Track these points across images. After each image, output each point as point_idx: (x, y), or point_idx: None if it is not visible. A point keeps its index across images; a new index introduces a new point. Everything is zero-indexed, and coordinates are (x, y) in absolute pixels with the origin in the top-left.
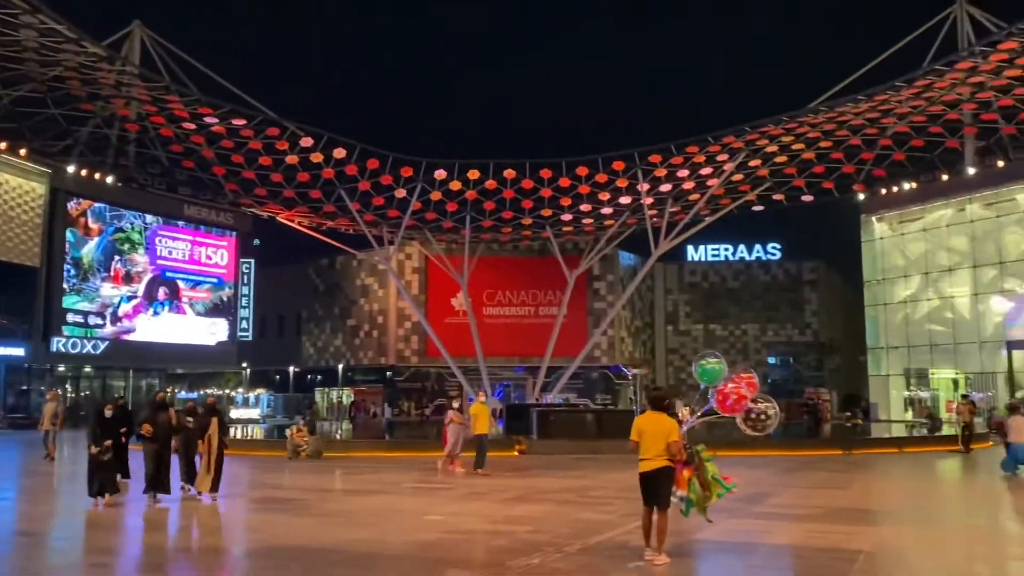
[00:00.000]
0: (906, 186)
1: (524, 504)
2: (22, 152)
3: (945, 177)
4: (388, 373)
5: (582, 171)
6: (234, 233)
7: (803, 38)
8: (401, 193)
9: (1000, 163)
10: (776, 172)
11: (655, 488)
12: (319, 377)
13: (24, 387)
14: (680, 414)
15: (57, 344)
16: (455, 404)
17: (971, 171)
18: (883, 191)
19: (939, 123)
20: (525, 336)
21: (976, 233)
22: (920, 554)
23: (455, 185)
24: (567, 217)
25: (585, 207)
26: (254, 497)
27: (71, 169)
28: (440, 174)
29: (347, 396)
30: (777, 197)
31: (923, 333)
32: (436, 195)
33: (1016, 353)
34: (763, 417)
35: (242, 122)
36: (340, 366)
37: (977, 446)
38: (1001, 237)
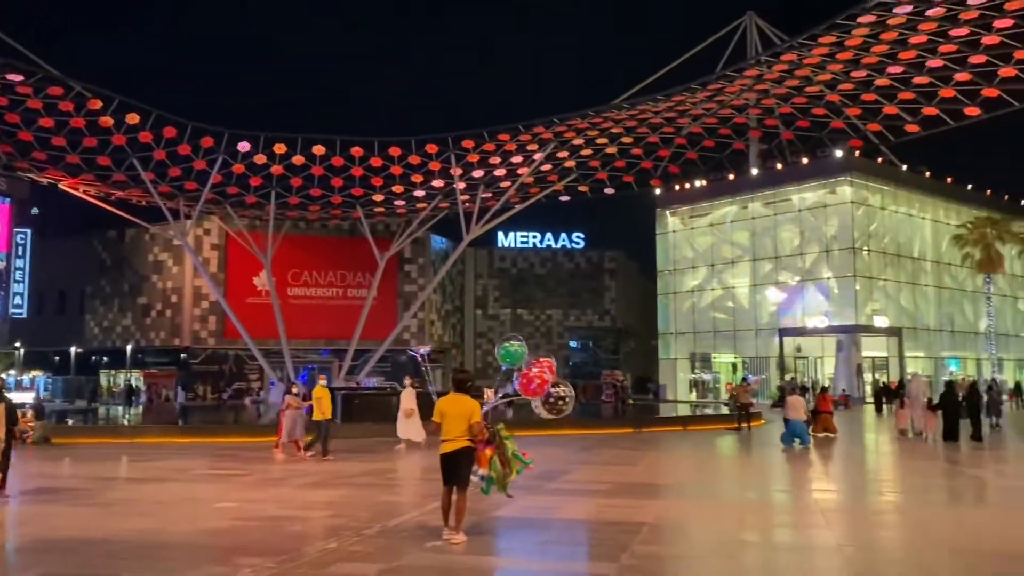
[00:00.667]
0: (697, 183)
1: (323, 489)
2: None
3: (732, 177)
4: (182, 355)
5: (395, 151)
6: (7, 200)
7: (606, 41)
8: (201, 165)
9: (779, 165)
10: (582, 164)
11: (456, 468)
12: (104, 359)
13: None
14: (485, 395)
15: None
16: (294, 389)
17: (754, 172)
18: (677, 187)
19: (728, 125)
20: (332, 318)
21: (756, 229)
22: (698, 525)
23: (260, 159)
24: (379, 198)
25: (397, 188)
26: (25, 488)
27: None
28: (244, 146)
29: (136, 379)
30: (582, 188)
31: (708, 320)
32: (239, 168)
33: (787, 339)
34: (561, 402)
35: (18, 78)
36: (129, 347)
37: (754, 424)
38: (778, 233)
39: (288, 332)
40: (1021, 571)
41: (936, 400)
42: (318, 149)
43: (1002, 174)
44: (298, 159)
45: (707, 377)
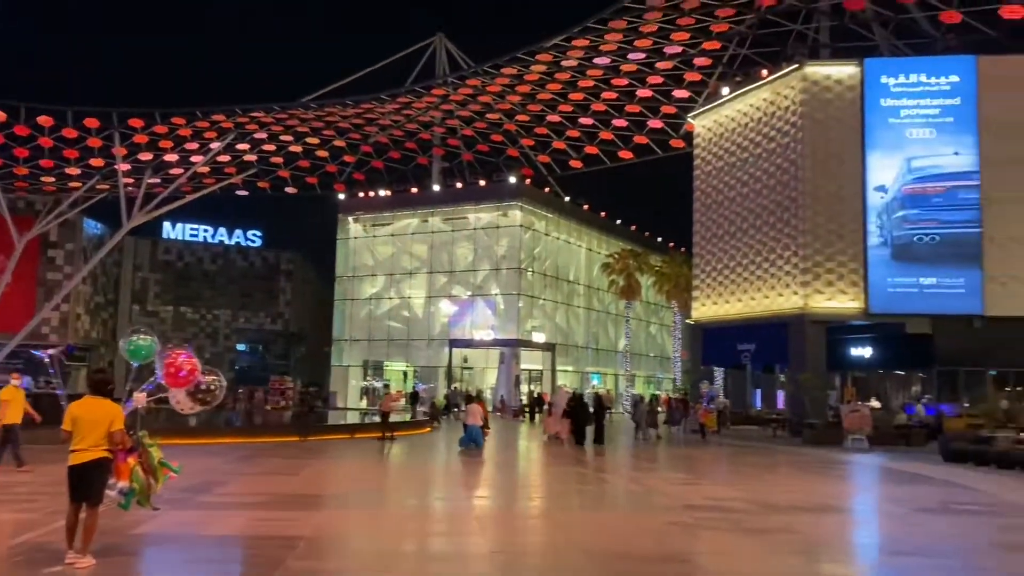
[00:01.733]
0: (381, 193)
1: None
2: None
3: (415, 190)
4: None
5: (46, 121)
6: None
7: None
8: None
9: (459, 184)
10: (264, 159)
11: (87, 482)
12: None
13: None
14: (135, 399)
15: None
16: None
17: (436, 188)
18: (361, 194)
19: (414, 140)
20: None
21: (435, 243)
22: (358, 536)
23: None
24: (22, 171)
25: (46, 163)
26: None
27: None
28: None
29: None
30: (262, 184)
31: (383, 328)
32: None
33: (456, 350)
34: (212, 388)
35: None
36: None
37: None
38: (454, 249)
39: None
40: (645, 571)
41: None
42: None
43: (644, 212)
44: None
45: (378, 385)
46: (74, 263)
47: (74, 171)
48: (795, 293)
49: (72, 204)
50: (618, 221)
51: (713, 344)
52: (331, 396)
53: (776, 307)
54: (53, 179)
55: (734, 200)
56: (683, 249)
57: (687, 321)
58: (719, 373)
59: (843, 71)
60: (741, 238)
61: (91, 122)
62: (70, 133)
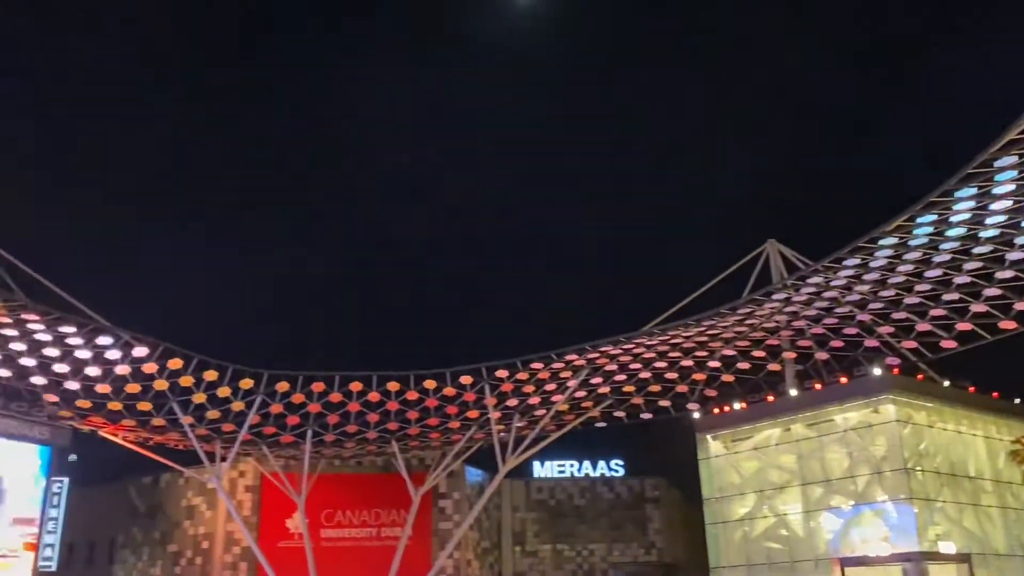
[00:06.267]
0: (736, 406)
1: None
2: None
3: (771, 398)
4: None
5: (430, 384)
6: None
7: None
8: (239, 406)
9: (818, 386)
10: (616, 389)
11: None
12: None
13: None
14: None
15: None
16: None
17: (793, 393)
18: (716, 410)
19: (761, 347)
20: (366, 561)
21: (802, 452)
22: None
23: (297, 398)
24: (414, 431)
25: (432, 421)
26: None
27: None
28: (282, 386)
29: None
30: (618, 414)
31: (762, 551)
32: (276, 408)
33: (848, 570)
34: None
35: (71, 329)
36: None
37: None
38: (825, 455)
39: None
40: None
41: None
42: (355, 385)
43: None
44: (335, 396)
45: None
46: (461, 511)
47: (455, 424)
48: None
49: (455, 455)
50: (1016, 400)
51: None
52: None
53: None
54: (438, 434)
55: None
56: None
57: None
58: None
59: None
60: None
61: (465, 379)
62: (449, 391)
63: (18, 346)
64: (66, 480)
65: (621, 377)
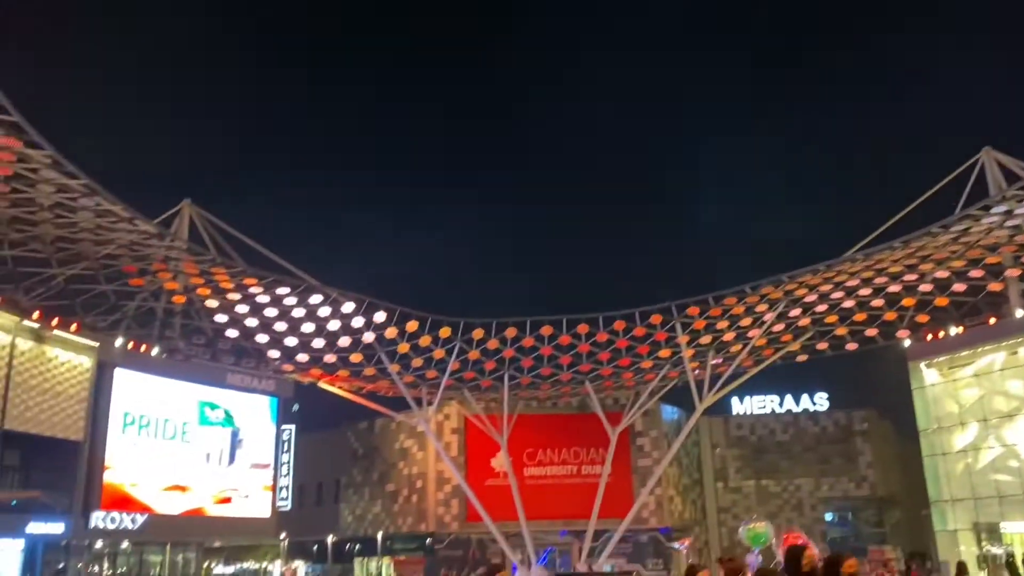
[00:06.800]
0: (952, 331)
1: None
2: (73, 328)
3: (992, 320)
4: (428, 540)
5: (619, 326)
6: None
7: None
8: (440, 354)
9: None
10: (818, 321)
11: None
12: (358, 546)
13: (61, 565)
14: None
15: (96, 519)
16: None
17: (1019, 313)
18: (929, 337)
19: (980, 266)
20: (568, 497)
21: None
22: None
23: (492, 344)
24: (607, 372)
25: (624, 361)
26: None
27: (118, 342)
28: (477, 333)
29: (387, 566)
30: (820, 346)
31: (989, 484)
32: (474, 354)
33: None
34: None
35: (286, 290)
36: (379, 534)
37: None
38: None
39: (527, 513)
40: None
41: None
42: (546, 330)
43: None
44: (527, 341)
45: (997, 551)
46: (659, 448)
47: (647, 364)
48: None
49: (650, 395)
50: None
51: None
52: (942, 566)
53: None
54: (631, 374)
55: None
56: None
57: None
58: None
59: None
60: None
61: (656, 318)
62: (639, 331)
63: (242, 308)
64: (292, 427)
65: (822, 308)
